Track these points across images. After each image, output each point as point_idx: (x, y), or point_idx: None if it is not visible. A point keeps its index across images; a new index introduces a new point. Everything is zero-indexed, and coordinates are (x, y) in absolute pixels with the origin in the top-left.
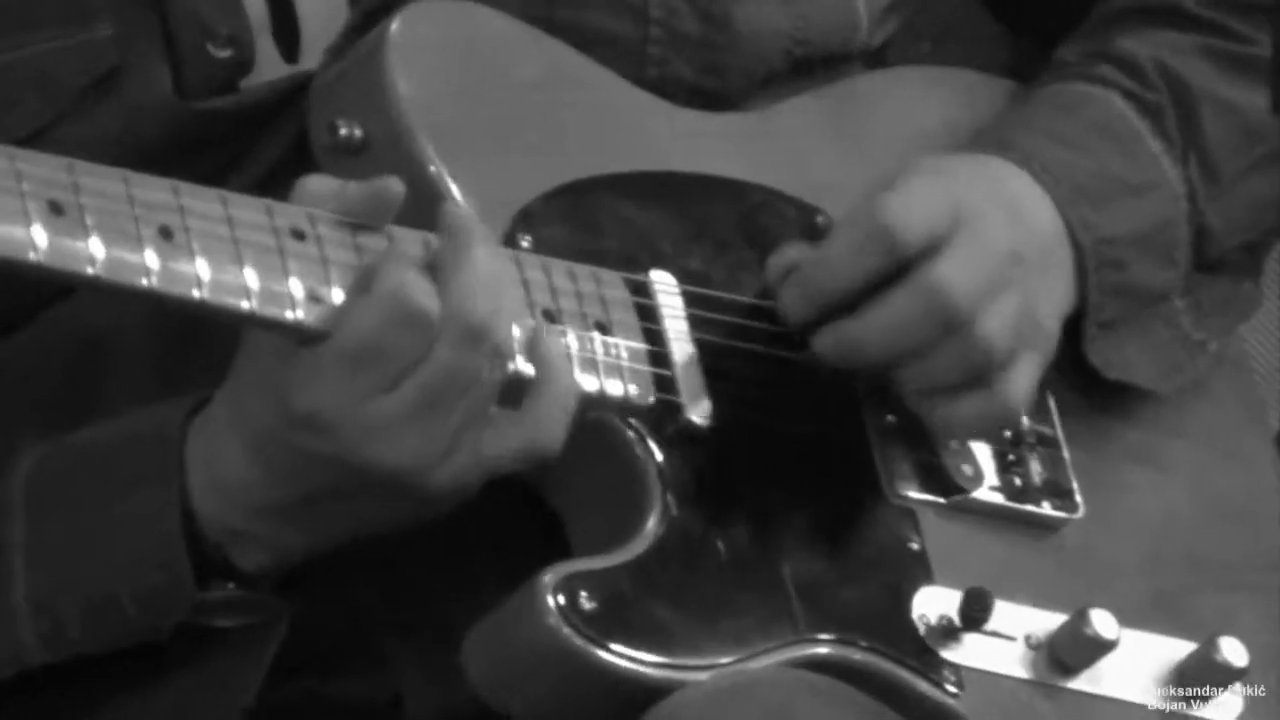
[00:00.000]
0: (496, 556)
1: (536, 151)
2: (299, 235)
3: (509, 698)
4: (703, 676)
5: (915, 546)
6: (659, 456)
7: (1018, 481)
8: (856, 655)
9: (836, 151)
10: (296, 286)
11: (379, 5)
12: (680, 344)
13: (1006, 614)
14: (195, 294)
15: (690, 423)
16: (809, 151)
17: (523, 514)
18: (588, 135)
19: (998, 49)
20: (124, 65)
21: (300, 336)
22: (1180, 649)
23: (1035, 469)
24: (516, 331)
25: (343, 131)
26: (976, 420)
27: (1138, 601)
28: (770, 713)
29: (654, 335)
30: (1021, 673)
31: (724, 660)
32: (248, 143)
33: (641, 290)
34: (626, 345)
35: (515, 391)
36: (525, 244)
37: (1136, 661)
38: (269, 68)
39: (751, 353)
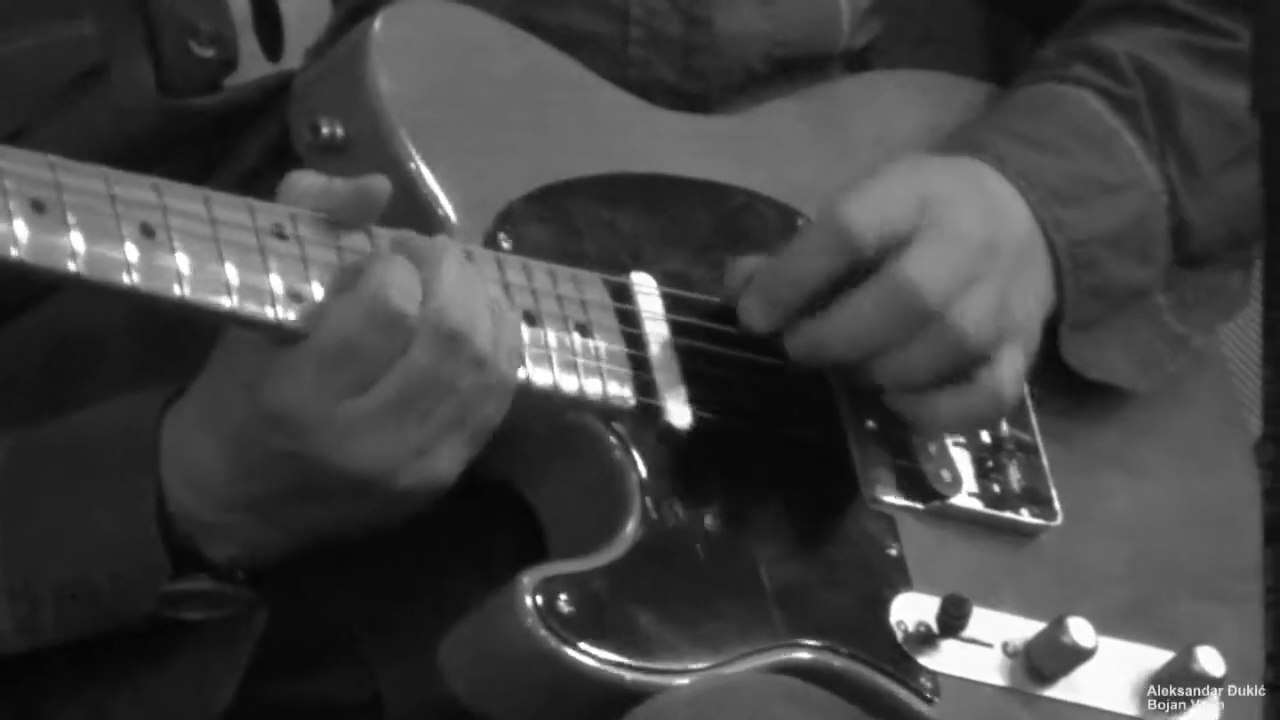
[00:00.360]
0: (475, 557)
1: (518, 151)
2: (280, 234)
3: (487, 700)
4: (681, 681)
5: (893, 552)
6: (638, 459)
7: (996, 488)
8: (834, 661)
9: (817, 154)
10: (277, 285)
11: (362, 4)
12: (660, 346)
13: (984, 621)
14: (176, 291)
15: (670, 425)
16: (790, 154)
17: (502, 515)
18: (569, 136)
19: (978, 51)
20: (107, 63)
21: (279, 335)
22: (1158, 658)
23: (1014, 476)
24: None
25: (324, 130)
26: (961, 414)
27: (1115, 610)
28: (748, 717)
29: (634, 338)
30: (999, 680)
31: (702, 665)
32: (230, 141)
33: (622, 292)
34: (606, 347)
35: None
36: (506, 245)
37: (1114, 670)
38: (252, 67)
39: (732, 356)
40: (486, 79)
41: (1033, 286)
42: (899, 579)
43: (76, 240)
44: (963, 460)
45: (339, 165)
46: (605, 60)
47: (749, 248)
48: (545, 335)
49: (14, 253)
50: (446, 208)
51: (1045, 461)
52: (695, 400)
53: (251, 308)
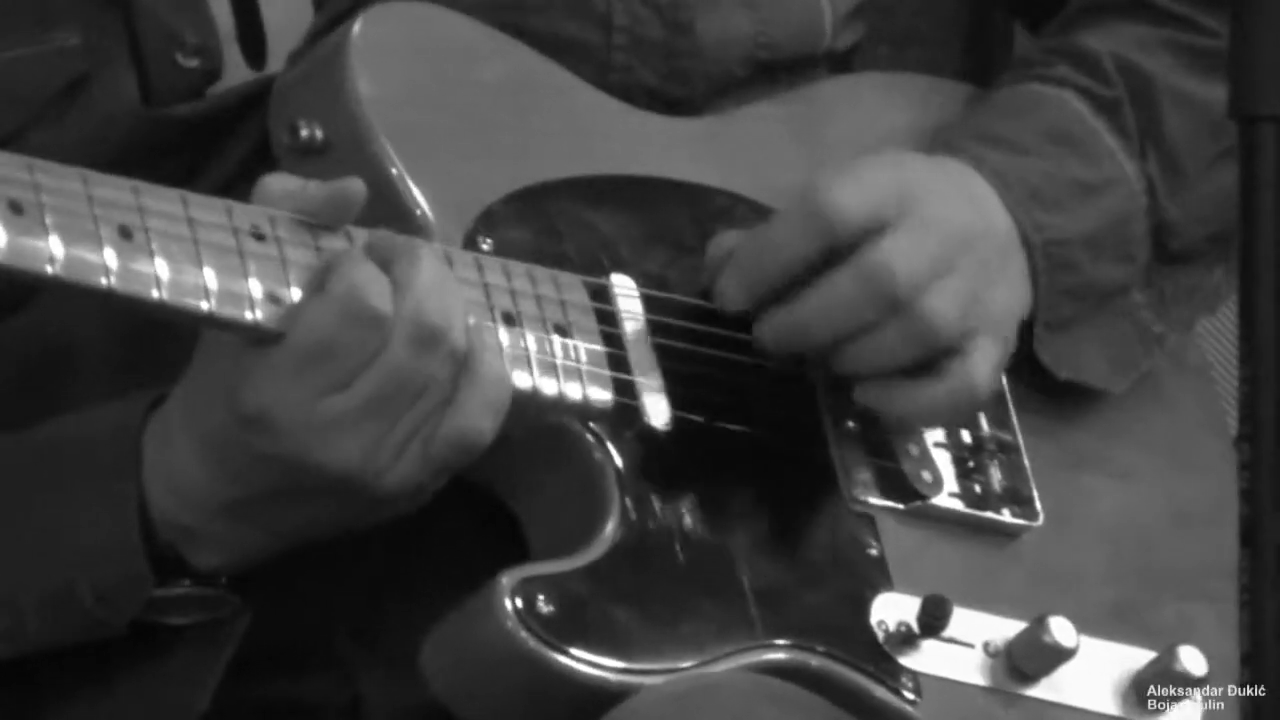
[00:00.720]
0: (455, 558)
1: (498, 154)
2: (259, 236)
3: (467, 701)
4: (661, 681)
5: (874, 553)
6: (618, 460)
7: (977, 488)
8: (814, 661)
9: (798, 156)
10: (255, 287)
11: (343, 10)
12: (639, 347)
13: (965, 621)
14: (154, 294)
15: (649, 426)
16: (770, 156)
17: (482, 516)
18: (549, 138)
19: (961, 52)
20: (91, 73)
21: (257, 336)
22: (1139, 657)
23: (995, 476)
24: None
25: (304, 133)
26: (932, 406)
27: (1097, 610)
28: (729, 717)
29: (613, 339)
30: (980, 680)
31: (682, 665)
32: (212, 148)
33: (601, 294)
34: (585, 348)
35: None
36: (486, 246)
37: (1095, 670)
38: (236, 76)
39: (711, 357)
40: (467, 82)
41: (1009, 284)
42: (879, 579)
43: (54, 242)
44: (944, 461)
45: (318, 167)
46: (588, 65)
47: None
48: (524, 337)
49: None
50: (425, 209)
51: (1027, 462)
52: (674, 401)
53: (230, 310)
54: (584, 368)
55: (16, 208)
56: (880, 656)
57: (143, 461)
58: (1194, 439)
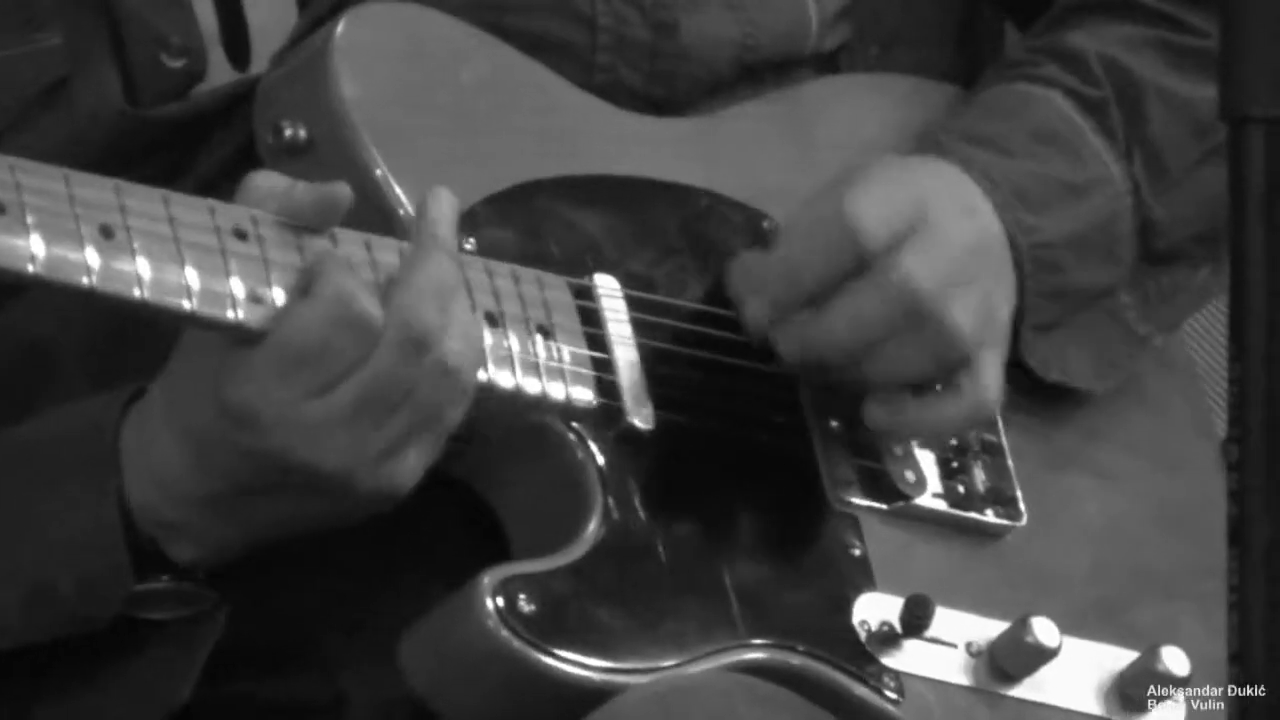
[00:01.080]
0: (437, 557)
1: (481, 154)
2: (241, 235)
3: (448, 700)
4: (643, 680)
5: (857, 553)
6: (600, 460)
7: (961, 489)
8: (795, 660)
9: (783, 157)
10: (238, 287)
11: (327, 11)
12: (623, 348)
13: (948, 621)
14: (136, 293)
15: (632, 426)
16: (756, 157)
17: (464, 515)
18: (533, 138)
19: (948, 53)
20: (74, 74)
21: (240, 337)
22: (1122, 658)
23: (979, 476)
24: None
25: (287, 133)
26: (949, 423)
27: (1080, 610)
28: (711, 716)
29: (597, 339)
30: (962, 680)
31: (665, 664)
32: (195, 148)
33: (585, 294)
34: (569, 349)
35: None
36: (469, 246)
37: (1078, 670)
38: (220, 77)
39: (695, 357)
40: (451, 82)
41: (1006, 290)
42: (862, 579)
43: (35, 241)
44: (927, 461)
45: (301, 167)
46: (572, 66)
47: (713, 250)
48: (507, 337)
49: None
50: (409, 209)
51: (1010, 462)
52: (658, 401)
53: (211, 310)
54: (567, 368)
55: None
56: (862, 656)
57: (122, 454)
58: (1178, 439)
